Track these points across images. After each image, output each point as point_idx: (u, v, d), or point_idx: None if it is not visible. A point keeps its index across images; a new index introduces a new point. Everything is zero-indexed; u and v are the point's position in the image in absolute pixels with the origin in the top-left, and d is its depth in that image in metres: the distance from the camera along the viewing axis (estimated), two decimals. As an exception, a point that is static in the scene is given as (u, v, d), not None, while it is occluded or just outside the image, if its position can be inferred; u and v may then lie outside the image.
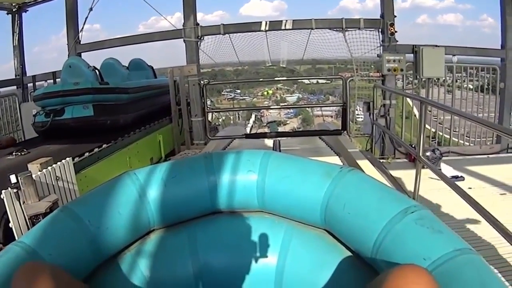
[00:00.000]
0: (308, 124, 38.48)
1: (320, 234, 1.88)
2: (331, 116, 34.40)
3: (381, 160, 6.54)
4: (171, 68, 7.64)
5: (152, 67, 9.80)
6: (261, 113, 42.50)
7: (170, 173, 1.95)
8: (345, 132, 7.72)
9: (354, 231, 1.65)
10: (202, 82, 7.62)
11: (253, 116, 40.05)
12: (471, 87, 7.80)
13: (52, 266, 1.37)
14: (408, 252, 1.41)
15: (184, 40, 7.52)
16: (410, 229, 1.47)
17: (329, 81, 41.26)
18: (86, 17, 8.09)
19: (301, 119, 43.28)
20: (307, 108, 42.61)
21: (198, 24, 7.50)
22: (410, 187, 4.83)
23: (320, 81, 45.04)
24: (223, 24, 7.54)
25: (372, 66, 7.88)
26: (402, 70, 6.99)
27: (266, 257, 1.92)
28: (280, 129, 37.12)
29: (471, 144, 7.28)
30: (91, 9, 7.87)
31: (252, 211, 2.04)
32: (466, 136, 7.65)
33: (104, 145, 5.58)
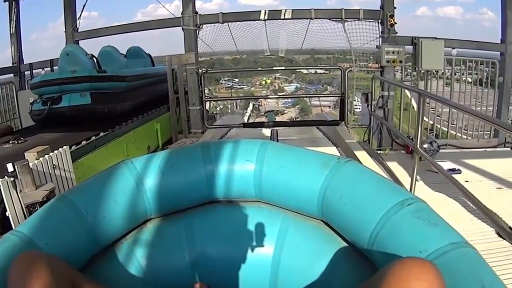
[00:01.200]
0: (306, 114, 38.00)
1: (317, 224, 1.88)
2: (329, 106, 34.21)
3: (379, 152, 6.54)
4: (169, 56, 7.58)
5: (150, 55, 9.79)
6: (259, 102, 42.07)
7: (167, 162, 1.94)
8: (343, 122, 7.69)
9: (351, 222, 1.65)
10: (200, 70, 7.57)
11: (250, 105, 39.19)
12: (470, 80, 7.80)
13: (50, 256, 1.36)
14: (404, 244, 1.41)
15: (182, 29, 7.51)
16: (407, 221, 1.47)
17: (328, 71, 41.22)
18: (84, 5, 8.03)
19: (299, 109, 43.10)
20: (305, 98, 42.14)
21: (197, 13, 7.46)
22: (407, 178, 4.84)
23: (318, 71, 44.96)
24: (222, 13, 7.54)
25: (371, 57, 7.88)
26: (401, 61, 7.00)
27: (263, 246, 1.92)
28: (278, 118, 36.21)
29: (469, 138, 7.31)
30: (89, -4, 7.78)
31: (249, 200, 2.03)
32: (464, 129, 7.67)
33: (101, 133, 5.60)
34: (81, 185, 1.88)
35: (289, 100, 45.35)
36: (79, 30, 8.56)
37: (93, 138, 5.42)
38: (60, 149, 4.11)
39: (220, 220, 2.02)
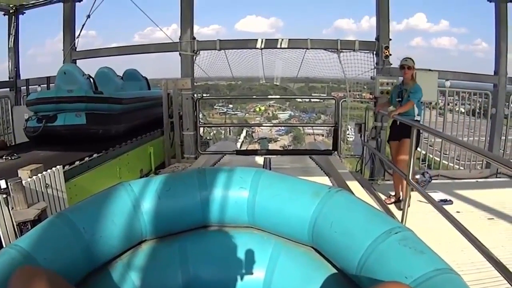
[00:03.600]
0: (299, 142, 38.26)
1: (307, 251, 1.94)
2: (322, 135, 34.28)
3: (371, 182, 6.63)
4: (165, 80, 7.71)
5: (146, 78, 9.92)
6: (252, 129, 42.22)
7: (164, 186, 2.01)
8: (336, 152, 7.79)
9: (340, 249, 1.72)
10: (195, 96, 7.69)
11: (244, 131, 39.89)
12: (463, 110, 7.94)
13: (48, 271, 1.41)
14: (391, 271, 1.48)
15: (179, 54, 7.61)
16: (394, 248, 1.55)
17: (322, 100, 41.46)
18: (83, 24, 8.15)
19: (292, 137, 43.21)
20: (298, 126, 42.39)
21: (194, 38, 7.59)
22: (398, 209, 4.97)
23: (312, 99, 45.22)
24: (220, 40, 7.66)
25: (365, 87, 8.04)
26: (390, 94, 7.11)
27: (254, 272, 1.98)
28: (271, 145, 37.03)
29: (461, 167, 7.41)
30: (88, 16, 7.94)
31: (242, 226, 2.11)
32: (456, 159, 7.78)
33: (95, 155, 5.63)
34: (79, 204, 1.93)
35: (283, 127, 45.43)
36: (77, 49, 8.63)
37: (87, 159, 5.45)
38: (54, 168, 4.16)
39: (214, 244, 2.07)
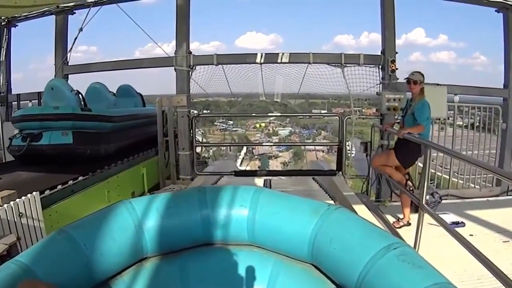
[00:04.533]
0: (300, 158, 38.09)
1: (307, 268, 2.02)
2: (323, 151, 34.11)
3: (377, 203, 6.39)
4: (160, 97, 7.29)
5: (141, 95, 9.53)
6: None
7: (165, 204, 2.09)
8: (340, 173, 7.34)
9: (340, 266, 1.80)
10: (192, 113, 7.27)
11: (244, 148, 39.35)
12: (468, 124, 7.55)
13: (49, 284, 1.52)
14: (390, 286, 1.55)
15: (175, 69, 7.25)
16: (392, 264, 1.62)
17: (322, 116, 41.30)
18: (76, 38, 7.77)
19: (293, 153, 43.01)
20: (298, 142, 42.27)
21: (190, 53, 7.24)
22: (408, 232, 4.78)
23: (313, 116, 45.06)
24: (217, 54, 7.33)
25: (365, 102, 7.63)
26: (402, 109, 6.70)
27: None
28: (271, 162, 37.20)
29: (472, 185, 7.01)
30: (81, 29, 7.62)
31: (242, 244, 2.17)
32: (461, 174, 7.37)
33: (80, 177, 5.27)
34: (81, 221, 2.00)
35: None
36: (70, 64, 8.24)
37: (71, 182, 5.06)
38: (29, 195, 3.78)
39: (215, 262, 2.14)
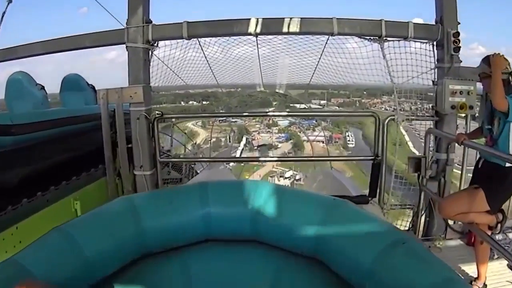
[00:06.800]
0: (299, 149, 37.56)
1: (312, 263, 1.93)
2: (322, 142, 32.42)
3: (428, 244, 4.09)
4: (105, 90, 4.47)
5: (93, 87, 6.55)
6: (252, 136, 41.92)
7: (165, 200, 2.02)
8: (375, 199, 4.56)
9: (346, 260, 1.73)
10: (152, 114, 4.41)
11: (244, 139, 39.72)
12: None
13: (47, 285, 1.47)
14: (399, 281, 1.49)
15: (126, 47, 4.40)
16: (401, 259, 1.56)
17: (321, 106, 40.28)
18: (4, 12, 5.13)
19: (292, 144, 42.11)
20: (298, 133, 42.23)
21: (150, 22, 4.35)
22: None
23: (312, 106, 43.62)
24: (188, 22, 4.41)
25: (415, 96, 4.87)
26: (471, 107, 4.13)
27: (259, 286, 1.95)
28: (271, 153, 35.80)
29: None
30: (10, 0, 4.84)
31: (245, 239, 2.08)
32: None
33: None
34: (79, 219, 1.96)
35: (282, 135, 45.10)
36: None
37: None
38: None
39: (217, 259, 2.05)
